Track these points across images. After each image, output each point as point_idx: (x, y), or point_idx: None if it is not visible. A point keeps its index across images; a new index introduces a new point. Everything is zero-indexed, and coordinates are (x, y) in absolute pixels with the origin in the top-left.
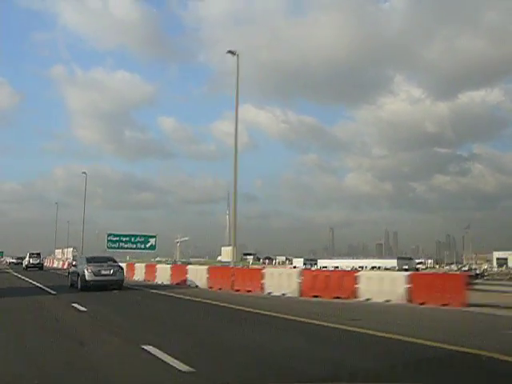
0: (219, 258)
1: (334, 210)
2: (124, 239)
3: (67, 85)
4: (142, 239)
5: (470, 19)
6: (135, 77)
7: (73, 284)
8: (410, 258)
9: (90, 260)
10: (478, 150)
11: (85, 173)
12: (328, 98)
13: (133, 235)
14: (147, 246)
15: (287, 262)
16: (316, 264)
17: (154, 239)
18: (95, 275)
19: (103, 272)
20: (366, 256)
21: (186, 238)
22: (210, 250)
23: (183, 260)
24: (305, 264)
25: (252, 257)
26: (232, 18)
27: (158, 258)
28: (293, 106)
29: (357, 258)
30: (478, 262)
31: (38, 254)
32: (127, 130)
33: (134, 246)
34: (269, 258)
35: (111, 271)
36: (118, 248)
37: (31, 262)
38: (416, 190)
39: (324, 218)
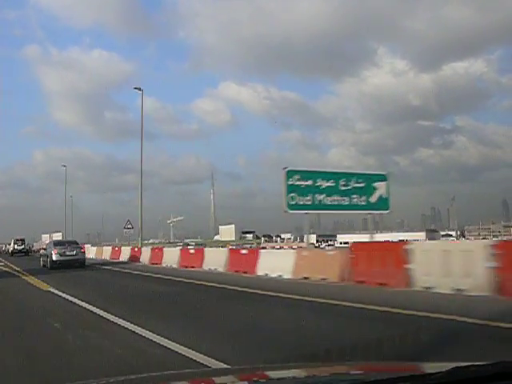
0: (216, 237)
1: None
2: (323, 184)
3: (42, 65)
4: (361, 183)
5: None
6: (113, 55)
7: (44, 265)
8: (436, 231)
9: (56, 243)
10: (461, 122)
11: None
12: (311, 72)
13: (342, 174)
14: (371, 199)
15: (298, 240)
16: (335, 240)
17: (383, 184)
18: (60, 256)
19: (67, 253)
20: (352, 231)
21: (181, 218)
22: (196, 229)
23: (177, 241)
24: (318, 241)
25: (251, 235)
26: None
27: (151, 240)
28: (276, 81)
29: (383, 232)
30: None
31: (23, 240)
32: (107, 111)
33: (347, 199)
34: (268, 236)
35: (74, 252)
36: (313, 206)
37: (16, 247)
38: (399, 163)
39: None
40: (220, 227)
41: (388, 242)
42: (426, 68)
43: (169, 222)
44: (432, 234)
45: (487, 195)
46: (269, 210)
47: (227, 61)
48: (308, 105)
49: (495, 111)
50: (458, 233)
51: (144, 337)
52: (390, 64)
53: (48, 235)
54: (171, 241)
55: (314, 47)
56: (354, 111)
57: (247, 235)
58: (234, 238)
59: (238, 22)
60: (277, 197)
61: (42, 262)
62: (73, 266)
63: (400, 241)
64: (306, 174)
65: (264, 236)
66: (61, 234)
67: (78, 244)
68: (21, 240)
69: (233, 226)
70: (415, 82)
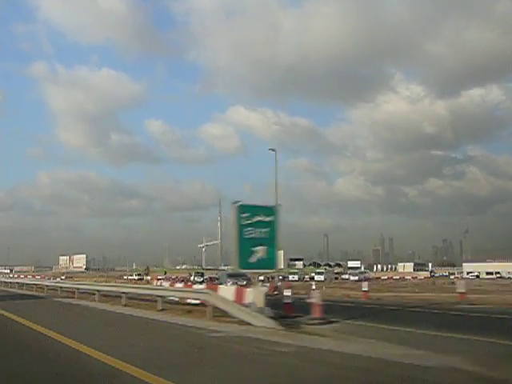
0: None
1: (326, 215)
2: None
3: (49, 84)
4: None
5: (480, 9)
6: (121, 75)
7: None
8: None
9: (229, 275)
10: (474, 152)
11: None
12: (325, 97)
13: None
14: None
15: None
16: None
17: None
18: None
19: (239, 283)
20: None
21: (217, 242)
22: (201, 257)
23: (209, 267)
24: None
25: (301, 263)
26: (224, 10)
27: (184, 266)
28: (287, 106)
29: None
30: None
31: (202, 273)
32: (113, 133)
33: None
34: (315, 264)
35: (244, 282)
36: None
37: (196, 279)
38: (408, 194)
39: (315, 224)
40: None
41: None
42: (444, 94)
43: (201, 245)
44: None
45: (499, 228)
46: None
47: (239, 83)
48: (319, 131)
49: (510, 141)
50: None
51: None
52: (406, 89)
53: (67, 257)
54: (204, 267)
55: (329, 70)
56: (365, 139)
57: (296, 262)
58: (282, 266)
59: (252, 42)
60: (284, 225)
61: None
62: None
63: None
64: None
65: (311, 265)
66: (84, 255)
67: (247, 276)
68: (200, 273)
69: (281, 251)
70: (431, 109)
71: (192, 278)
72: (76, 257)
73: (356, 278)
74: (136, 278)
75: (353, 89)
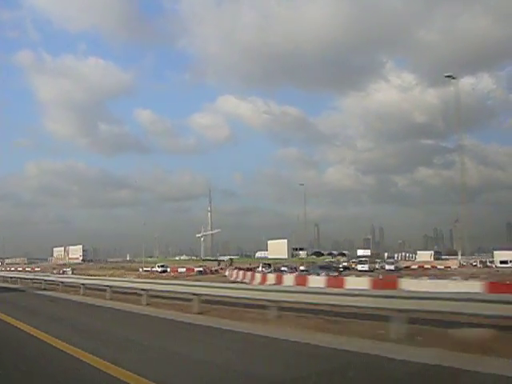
0: (261, 253)
1: (316, 205)
2: None
3: (36, 72)
4: None
5: None
6: (109, 64)
7: None
8: None
9: (321, 267)
10: (464, 141)
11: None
12: (316, 85)
13: None
14: None
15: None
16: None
17: None
18: (326, 275)
19: (330, 274)
20: None
21: (218, 230)
22: (194, 248)
23: (209, 258)
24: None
25: (305, 252)
26: None
27: (183, 257)
28: (278, 94)
29: None
30: None
31: (269, 265)
32: (102, 123)
33: None
34: (319, 254)
35: (335, 273)
36: None
37: (264, 270)
38: (398, 184)
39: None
40: (269, 242)
41: None
42: (435, 83)
43: (199, 235)
44: None
45: (488, 217)
46: (264, 228)
47: (229, 72)
48: (309, 120)
49: (499, 131)
50: None
51: None
52: (397, 78)
53: (62, 248)
54: (203, 257)
55: (320, 58)
56: (356, 128)
57: (300, 252)
58: (286, 256)
59: (243, 30)
60: (273, 215)
61: None
62: None
63: None
64: None
65: (313, 254)
66: (81, 246)
67: (335, 267)
68: (268, 264)
69: (285, 240)
70: (422, 97)
71: (260, 268)
72: (72, 248)
73: (392, 267)
74: (159, 270)
75: (344, 77)
